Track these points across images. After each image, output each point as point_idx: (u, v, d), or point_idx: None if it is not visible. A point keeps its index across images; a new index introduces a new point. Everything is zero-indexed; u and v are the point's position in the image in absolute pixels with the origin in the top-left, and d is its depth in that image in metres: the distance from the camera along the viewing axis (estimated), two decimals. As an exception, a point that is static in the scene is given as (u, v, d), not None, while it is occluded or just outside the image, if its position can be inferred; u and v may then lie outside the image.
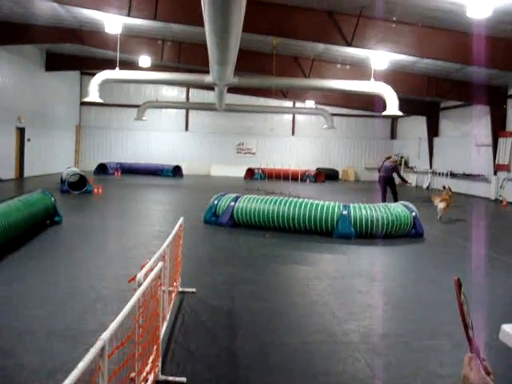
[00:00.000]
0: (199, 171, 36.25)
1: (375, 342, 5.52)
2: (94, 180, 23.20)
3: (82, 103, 32.61)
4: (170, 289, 5.72)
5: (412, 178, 33.84)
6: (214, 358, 4.91)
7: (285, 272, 8.80)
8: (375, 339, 5.60)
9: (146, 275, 3.98)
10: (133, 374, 3.49)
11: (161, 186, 25.27)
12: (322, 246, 11.02)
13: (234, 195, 13.41)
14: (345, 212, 11.88)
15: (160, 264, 4.36)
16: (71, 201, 17.47)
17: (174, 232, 5.92)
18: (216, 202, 13.35)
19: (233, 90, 26.88)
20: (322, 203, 12.32)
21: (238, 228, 12.69)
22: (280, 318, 6.24)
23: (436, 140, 31.84)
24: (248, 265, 9.08)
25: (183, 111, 37.34)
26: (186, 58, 23.71)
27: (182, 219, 6.84)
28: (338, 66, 23.66)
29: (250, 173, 34.32)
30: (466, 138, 27.79)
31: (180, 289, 6.78)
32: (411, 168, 34.17)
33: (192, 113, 37.30)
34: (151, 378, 3.92)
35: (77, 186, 19.87)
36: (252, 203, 12.73)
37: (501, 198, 23.50)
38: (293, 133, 38.51)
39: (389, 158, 21.18)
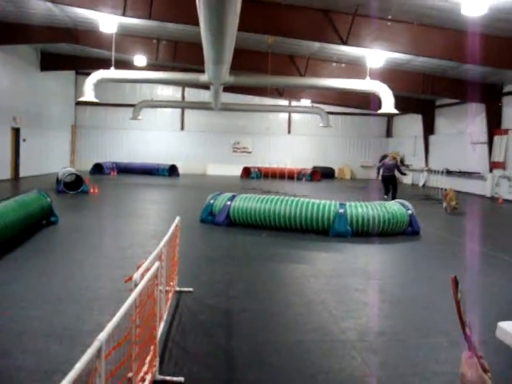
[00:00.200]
0: (195, 170, 36.23)
1: (372, 340, 5.52)
2: (90, 180, 23.17)
3: (78, 103, 32.49)
4: (167, 288, 5.71)
5: (408, 176, 33.91)
6: (212, 358, 4.91)
7: (281, 271, 8.80)
8: (372, 337, 5.61)
9: (143, 275, 3.97)
10: (130, 374, 3.48)
11: (157, 186, 25.25)
12: (318, 245, 11.02)
13: (230, 194, 13.40)
14: (341, 210, 11.89)
15: (156, 264, 4.35)
16: (67, 201, 17.43)
17: (170, 231, 5.92)
18: (212, 201, 13.34)
19: (228, 88, 26.84)
20: (318, 202, 12.32)
21: (234, 227, 12.68)
22: (277, 316, 6.24)
23: (432, 138, 31.89)
24: (245, 264, 9.09)
25: (179, 110, 37.32)
26: (181, 57, 23.69)
27: (178, 218, 6.83)
28: (334, 64, 23.69)
29: (246, 172, 34.32)
30: (462, 135, 27.85)
31: (177, 288, 6.77)
32: (407, 166, 34.20)
33: (188, 112, 37.28)
34: (149, 378, 3.92)
35: (73, 186, 19.83)
36: (248, 202, 12.73)
37: (496, 196, 23.55)
38: (289, 131, 38.52)
39: (385, 156, 21.25)
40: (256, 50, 22.37)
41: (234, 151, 37.89)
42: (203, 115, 36.74)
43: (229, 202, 12.91)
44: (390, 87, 19.12)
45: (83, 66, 29.81)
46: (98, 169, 32.06)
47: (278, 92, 32.02)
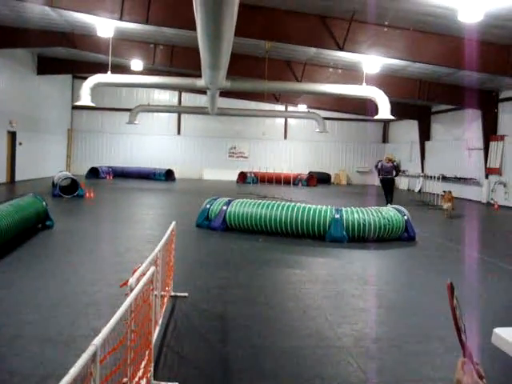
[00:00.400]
0: (191, 175, 36.21)
1: (368, 346, 5.52)
2: (86, 184, 23.16)
3: (74, 107, 32.52)
4: (163, 293, 5.70)
5: (404, 182, 33.96)
6: (207, 363, 4.90)
7: (277, 276, 8.79)
8: (368, 343, 5.61)
9: (138, 280, 3.96)
10: (125, 379, 3.47)
11: (153, 190, 25.22)
12: (314, 250, 11.02)
13: (226, 199, 13.40)
14: (337, 216, 11.89)
15: (152, 269, 4.34)
16: (63, 205, 17.40)
17: (166, 236, 5.91)
18: (208, 205, 13.33)
19: (225, 93, 26.86)
20: (315, 207, 12.33)
21: (230, 232, 12.67)
22: (273, 322, 6.23)
23: (428, 144, 31.96)
24: (240, 269, 9.07)
25: (175, 115, 37.33)
26: (178, 61, 23.70)
27: (174, 223, 6.82)
28: (330, 70, 23.72)
29: (243, 177, 34.33)
30: (458, 141, 27.92)
31: (172, 293, 6.76)
32: (403, 171, 34.24)
33: (184, 116, 37.30)
34: (143, 383, 3.90)
35: (68, 190, 19.79)
36: (244, 207, 12.72)
37: (492, 202, 23.61)
38: (285, 137, 38.55)
39: (380, 161, 21.31)
40: (253, 55, 22.40)
41: (231, 156, 37.89)
42: (200, 120, 36.74)
43: (225, 207, 12.90)
44: (386, 93, 19.17)
45: (80, 70, 29.79)
46: (93, 173, 32.02)
47: (275, 97, 32.07)
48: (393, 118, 20.14)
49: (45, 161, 30.22)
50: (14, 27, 21.07)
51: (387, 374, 4.85)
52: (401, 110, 28.39)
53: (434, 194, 23.57)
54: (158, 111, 35.23)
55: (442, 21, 14.88)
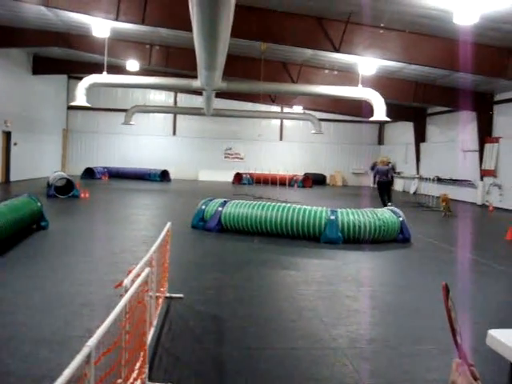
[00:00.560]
0: (187, 176, 36.19)
1: (363, 348, 5.52)
2: (81, 184, 23.09)
3: (70, 107, 32.46)
4: (158, 294, 5.69)
5: (399, 183, 34.01)
6: (202, 364, 4.89)
7: (272, 277, 8.79)
8: (363, 344, 5.61)
9: (133, 281, 3.95)
10: (119, 381, 3.46)
11: (148, 191, 25.19)
12: (309, 251, 11.02)
13: (221, 200, 13.39)
14: (332, 217, 11.90)
15: (147, 269, 4.33)
16: (58, 205, 17.35)
17: (161, 237, 5.90)
18: (204, 206, 13.32)
19: (221, 94, 26.87)
20: (310, 208, 12.33)
21: (225, 233, 12.67)
22: (268, 323, 6.23)
23: (423, 145, 32.03)
24: (236, 270, 9.06)
25: (171, 116, 37.32)
26: (173, 62, 23.70)
27: (169, 224, 6.81)
28: (326, 71, 23.76)
29: (238, 178, 34.34)
30: (453, 143, 27.99)
31: (167, 294, 6.75)
32: (398, 173, 34.31)
33: (180, 117, 37.28)
34: (138, 384, 3.89)
35: (63, 190, 19.75)
36: (240, 208, 12.72)
37: (487, 203, 23.67)
38: (281, 138, 38.59)
39: (375, 163, 21.36)
40: (249, 56, 22.42)
41: (226, 157, 37.90)
42: (195, 121, 36.74)
43: (220, 208, 12.89)
44: (381, 95, 19.20)
45: (75, 70, 29.77)
46: (89, 173, 31.98)
47: (271, 98, 32.09)
48: (388, 119, 20.18)
49: (40, 161, 30.16)
50: (10, 27, 21.04)
51: (382, 376, 4.84)
52: (396, 112, 28.44)
53: (429, 195, 23.61)
54: (153, 112, 35.23)
55: (437, 23, 14.93)
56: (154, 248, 5.21)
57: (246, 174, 34.03)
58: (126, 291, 3.66)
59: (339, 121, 37.68)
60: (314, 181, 34.76)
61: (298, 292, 7.69)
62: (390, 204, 17.70)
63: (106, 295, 6.71)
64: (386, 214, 12.42)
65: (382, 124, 37.62)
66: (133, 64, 23.09)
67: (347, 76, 22.79)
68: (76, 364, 2.31)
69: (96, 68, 22.39)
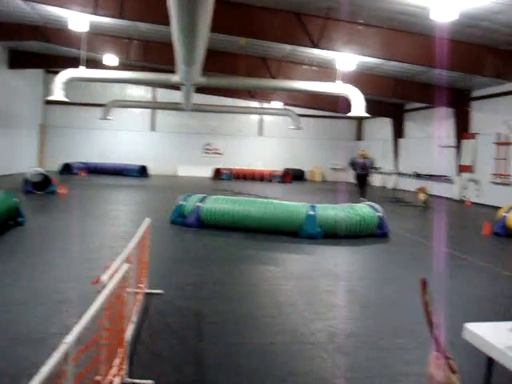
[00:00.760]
0: (166, 171, 36.01)
1: (341, 342, 5.55)
2: (59, 180, 22.86)
3: (47, 102, 32.08)
4: (137, 290, 5.66)
5: (378, 179, 34.25)
6: (181, 360, 4.88)
7: (252, 272, 8.80)
8: (341, 339, 5.64)
9: (111, 277, 3.93)
10: (98, 378, 3.44)
11: (127, 186, 25.03)
12: (288, 247, 11.05)
13: (200, 195, 13.36)
14: (311, 212, 11.95)
15: (125, 265, 4.31)
16: (35, 201, 17.16)
17: (139, 233, 5.87)
18: (183, 202, 13.27)
19: (200, 89, 26.76)
20: (289, 203, 12.37)
21: (204, 229, 12.64)
22: (247, 318, 6.24)
23: (401, 141, 32.27)
24: (215, 266, 9.06)
25: (149, 111, 37.06)
26: (152, 57, 23.54)
27: (148, 220, 6.78)
28: (305, 67, 23.80)
29: (218, 173, 34.28)
30: (430, 139, 28.23)
31: (147, 290, 6.71)
32: (377, 169, 34.54)
33: (158, 112, 37.05)
34: (117, 381, 3.87)
35: (41, 186, 19.52)
36: (219, 204, 12.70)
37: (464, 199, 23.95)
38: (260, 133, 38.58)
39: (354, 159, 21.59)
40: (228, 51, 22.36)
41: (206, 152, 37.77)
42: (174, 116, 36.56)
43: (199, 204, 12.86)
44: (360, 91, 19.30)
45: (53, 64, 29.38)
46: (66, 169, 31.65)
47: (250, 94, 32.06)
48: (367, 115, 20.30)
49: (16, 156, 29.73)
50: (-15, 20, 20.73)
51: (361, 370, 4.88)
52: (375, 108, 28.57)
53: (407, 190, 23.82)
54: (132, 107, 34.95)
55: (415, 19, 15.03)
56: (132, 244, 5.18)
57: (225, 169, 33.99)
58: (105, 287, 3.64)
59: (318, 116, 37.78)
60: (293, 176, 34.83)
61: (277, 287, 7.71)
62: (362, 199, 17.81)
63: (84, 292, 6.65)
64: (365, 209, 12.50)
65: (360, 120, 37.80)
66: (111, 58, 22.90)
67: (326, 72, 22.85)
68: (54, 361, 2.29)
69: (74, 62, 22.13)
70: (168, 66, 21.45)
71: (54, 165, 32.82)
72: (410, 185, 24.53)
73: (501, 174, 21.87)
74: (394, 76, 23.68)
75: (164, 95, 36.02)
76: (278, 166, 36.00)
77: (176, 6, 9.30)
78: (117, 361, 3.96)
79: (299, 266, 9.34)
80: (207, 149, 37.78)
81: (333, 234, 11.96)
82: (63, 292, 6.83)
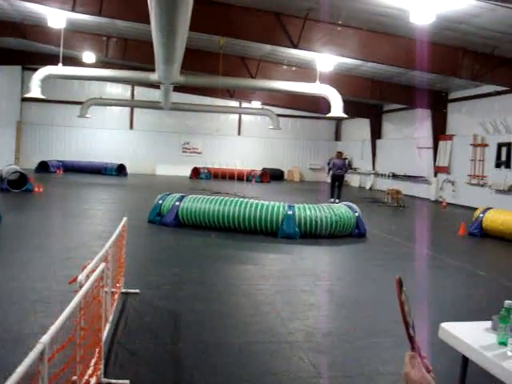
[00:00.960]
0: (144, 170, 35.78)
1: (319, 341, 5.58)
2: (35, 178, 22.60)
3: (24, 99, 31.67)
4: (113, 290, 5.62)
5: (355, 179, 34.48)
6: (158, 359, 4.86)
7: (230, 272, 8.80)
8: (319, 338, 5.67)
9: (88, 276, 3.90)
10: (74, 378, 3.41)
11: (104, 185, 24.84)
12: (267, 246, 11.07)
13: (179, 195, 13.32)
14: (289, 212, 11.98)
15: (102, 265, 4.28)
16: (11, 200, 16.95)
17: (117, 232, 5.83)
18: (161, 201, 13.22)
19: (179, 88, 26.64)
20: (267, 203, 12.38)
21: (182, 228, 12.60)
22: (225, 318, 6.23)
23: (379, 142, 32.51)
24: (193, 265, 9.04)
25: (128, 109, 36.77)
26: (131, 55, 23.38)
27: (125, 219, 6.74)
28: (285, 67, 23.85)
29: (196, 172, 34.16)
30: (408, 140, 28.50)
31: (123, 290, 6.68)
32: (355, 169, 34.78)
33: (137, 111, 36.78)
34: (93, 381, 3.85)
35: (17, 184, 19.28)
36: (197, 203, 12.67)
37: (441, 199, 24.21)
38: (239, 133, 38.56)
39: (332, 158, 21.75)
40: (207, 50, 22.30)
41: (184, 151, 37.61)
42: (153, 114, 36.32)
43: (177, 203, 12.82)
44: (339, 91, 19.38)
45: (30, 61, 29.00)
46: (43, 167, 31.28)
47: (229, 93, 32.00)
48: (345, 116, 20.39)
49: (-8, 154, 29.35)
50: (-40, 16, 20.40)
51: (338, 369, 4.92)
52: (353, 109, 28.76)
53: (384, 191, 24.01)
54: (110, 105, 34.64)
55: (394, 21, 15.14)
56: (109, 243, 5.15)
57: (203, 168, 33.90)
58: (81, 287, 3.61)
59: (297, 116, 37.89)
60: (272, 176, 34.84)
61: (255, 287, 7.72)
62: (337, 201, 17.74)
63: (60, 291, 6.59)
64: (342, 209, 12.57)
65: (339, 120, 37.97)
66: (89, 56, 22.70)
67: (305, 72, 22.91)
68: (29, 361, 2.26)
69: (51, 59, 21.89)
70: (147, 65, 21.34)
71: (30, 163, 32.41)
72: (388, 185, 24.71)
73: (477, 176, 22.15)
74: (372, 77, 23.83)
75: (142, 94, 35.79)
76: (257, 166, 36.02)
77: (155, 5, 9.26)
78: (93, 360, 3.93)
79: (277, 266, 9.36)
80: (186, 148, 37.64)
81: (311, 234, 12.02)
82: (40, 291, 6.76)
